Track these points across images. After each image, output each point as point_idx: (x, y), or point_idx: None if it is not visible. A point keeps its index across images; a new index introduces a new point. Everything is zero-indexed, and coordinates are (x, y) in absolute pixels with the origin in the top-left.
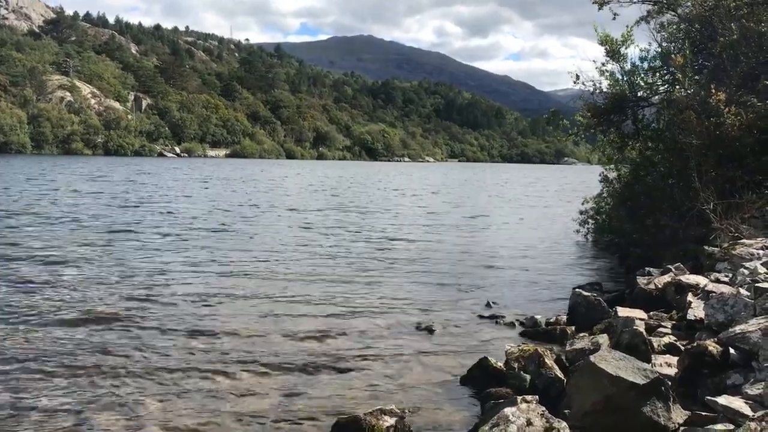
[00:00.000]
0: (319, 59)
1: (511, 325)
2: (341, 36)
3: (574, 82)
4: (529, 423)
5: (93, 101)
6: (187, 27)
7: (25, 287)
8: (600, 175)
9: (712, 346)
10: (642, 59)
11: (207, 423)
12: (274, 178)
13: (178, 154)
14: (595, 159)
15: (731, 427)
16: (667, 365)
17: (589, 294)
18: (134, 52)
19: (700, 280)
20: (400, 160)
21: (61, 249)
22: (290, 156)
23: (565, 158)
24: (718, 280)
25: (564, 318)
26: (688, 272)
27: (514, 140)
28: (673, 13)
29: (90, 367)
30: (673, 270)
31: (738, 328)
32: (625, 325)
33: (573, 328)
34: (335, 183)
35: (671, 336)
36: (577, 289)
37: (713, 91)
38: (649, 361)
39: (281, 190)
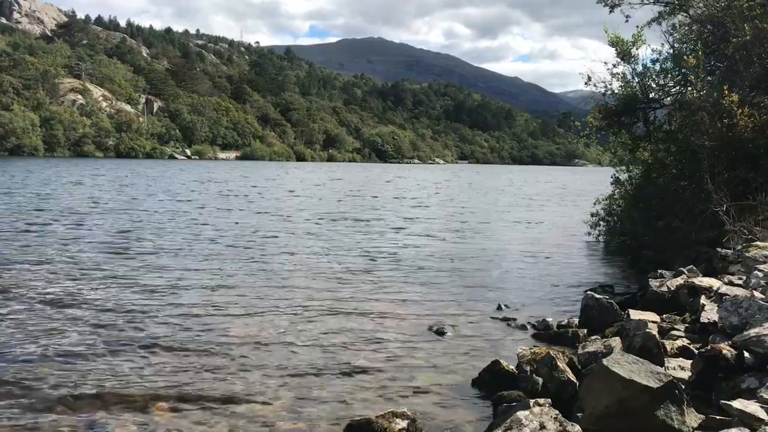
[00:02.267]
0: (329, 61)
1: (523, 327)
2: (351, 38)
3: (586, 84)
4: (542, 426)
5: (104, 104)
6: (197, 30)
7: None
8: (611, 177)
9: (726, 349)
10: (653, 61)
11: (218, 426)
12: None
13: (188, 157)
14: (607, 161)
15: (746, 431)
16: (680, 368)
17: (601, 296)
18: (145, 55)
19: (714, 282)
20: (410, 162)
21: None
22: (300, 158)
23: (576, 160)
24: (731, 283)
25: (576, 321)
26: (701, 275)
27: (525, 142)
28: (685, 14)
29: (98, 367)
30: (686, 272)
31: (753, 331)
32: (638, 328)
33: (585, 330)
34: (346, 186)
35: (684, 339)
36: (589, 292)
37: (726, 92)
38: (662, 364)
39: (294, 194)
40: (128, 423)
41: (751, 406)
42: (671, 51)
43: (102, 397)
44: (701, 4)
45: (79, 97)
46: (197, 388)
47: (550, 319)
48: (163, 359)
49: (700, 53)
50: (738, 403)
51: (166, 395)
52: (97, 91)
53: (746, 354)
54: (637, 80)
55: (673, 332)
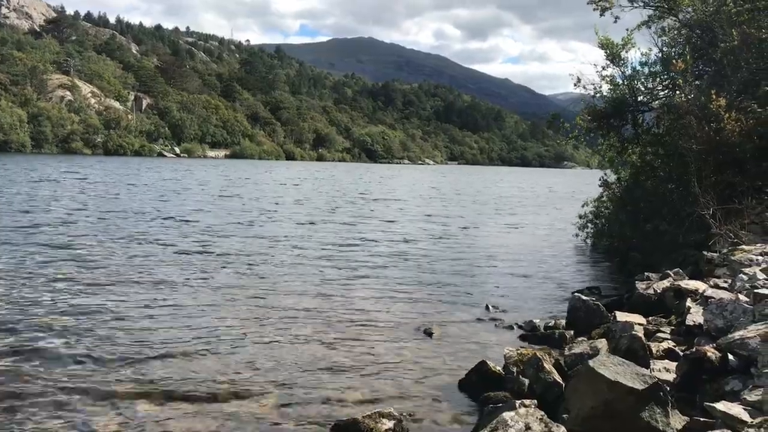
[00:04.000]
0: (319, 61)
1: (510, 328)
2: (341, 38)
3: (575, 85)
4: (527, 427)
5: (93, 101)
6: (187, 27)
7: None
8: (600, 179)
9: (710, 351)
10: (642, 64)
11: (205, 426)
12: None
13: (177, 155)
14: (595, 163)
15: None
16: (665, 370)
17: (588, 298)
18: (135, 52)
19: (699, 285)
20: (400, 163)
21: None
22: (290, 157)
23: (565, 162)
24: (717, 286)
25: (563, 322)
26: (687, 277)
27: (514, 143)
28: (674, 18)
29: (85, 367)
30: (672, 275)
31: (737, 334)
32: (624, 330)
33: (572, 332)
34: (333, 186)
35: (670, 341)
36: (576, 294)
37: (714, 96)
38: (647, 366)
39: (282, 194)
40: (114, 418)
41: (735, 409)
42: (660, 54)
43: (87, 390)
44: (690, 9)
45: (68, 93)
46: (185, 388)
47: (537, 321)
48: (150, 357)
49: (688, 57)
50: (722, 405)
51: (153, 393)
52: (85, 88)
53: (730, 356)
54: (626, 83)
55: (659, 334)
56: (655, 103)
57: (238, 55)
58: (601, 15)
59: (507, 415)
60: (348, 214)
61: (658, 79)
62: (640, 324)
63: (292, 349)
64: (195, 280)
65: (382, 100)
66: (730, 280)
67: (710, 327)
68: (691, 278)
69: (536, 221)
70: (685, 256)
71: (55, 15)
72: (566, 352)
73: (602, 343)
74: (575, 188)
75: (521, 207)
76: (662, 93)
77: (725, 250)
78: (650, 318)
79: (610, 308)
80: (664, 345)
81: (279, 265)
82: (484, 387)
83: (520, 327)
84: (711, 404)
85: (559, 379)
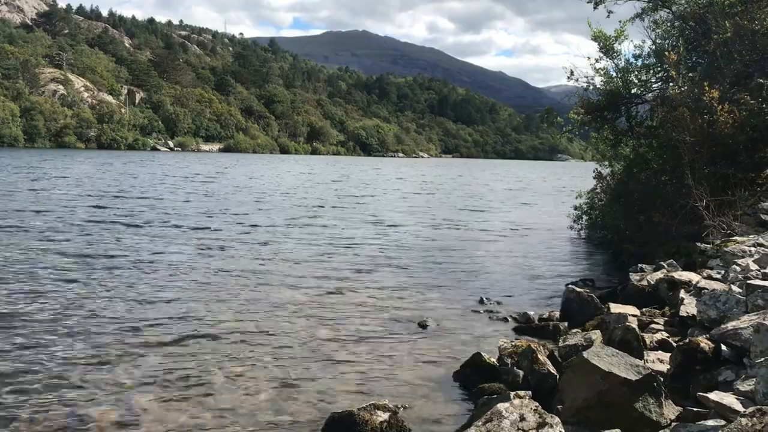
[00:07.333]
0: (313, 54)
1: (504, 320)
2: (335, 31)
3: (568, 78)
4: (522, 418)
5: (86, 94)
6: (180, 21)
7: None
8: (594, 171)
9: (704, 342)
10: (636, 56)
11: (200, 417)
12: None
13: (171, 149)
14: (589, 156)
15: (722, 422)
16: (659, 361)
17: (582, 290)
18: (127, 45)
19: (693, 276)
20: (394, 156)
21: None
22: (284, 151)
23: (559, 155)
24: (710, 277)
25: (557, 314)
26: (680, 269)
27: (508, 136)
28: (667, 10)
29: (82, 358)
30: (666, 266)
31: (730, 325)
32: (618, 321)
33: (566, 324)
34: (327, 179)
35: (663, 332)
36: (570, 285)
37: (707, 88)
38: (641, 357)
39: (276, 186)
40: (110, 413)
41: (728, 398)
42: (653, 47)
43: (85, 384)
44: (683, 1)
45: (60, 87)
46: (179, 381)
47: (531, 313)
48: (147, 350)
49: (681, 49)
50: (714, 395)
51: (149, 385)
52: (78, 82)
53: (723, 347)
54: (619, 75)
55: (653, 326)
56: (648, 96)
57: (231, 49)
58: (594, 8)
59: (501, 406)
60: (340, 210)
61: (651, 72)
62: (633, 315)
63: (287, 342)
64: (192, 275)
65: (377, 93)
66: (723, 272)
67: (703, 318)
68: (684, 270)
69: (530, 213)
70: (678, 247)
71: (46, 8)
72: (560, 344)
73: (596, 335)
74: (569, 181)
75: (515, 199)
76: (656, 85)
77: (718, 242)
78: (644, 309)
79: (604, 300)
80: (658, 336)
81: (273, 260)
82: (478, 378)
83: (514, 319)
84: (704, 394)
85: (553, 370)
